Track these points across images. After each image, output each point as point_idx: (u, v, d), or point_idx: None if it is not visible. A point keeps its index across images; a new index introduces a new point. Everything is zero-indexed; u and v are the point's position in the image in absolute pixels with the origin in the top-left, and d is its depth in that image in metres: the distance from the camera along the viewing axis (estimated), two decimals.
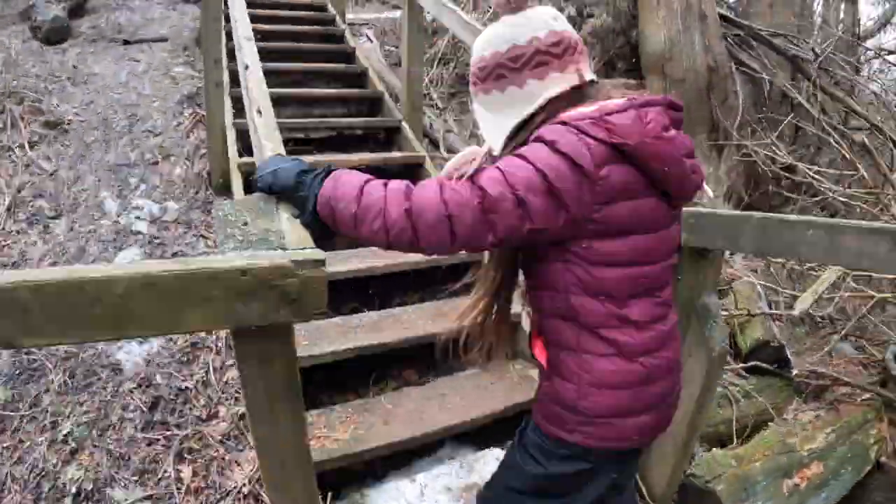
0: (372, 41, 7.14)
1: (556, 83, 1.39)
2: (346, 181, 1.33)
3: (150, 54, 6.36)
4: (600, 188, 1.27)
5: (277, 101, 4.54)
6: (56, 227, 4.24)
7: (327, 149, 4.52)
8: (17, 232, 4.21)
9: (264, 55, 2.99)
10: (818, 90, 6.16)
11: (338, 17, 6.36)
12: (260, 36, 5.79)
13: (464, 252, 1.35)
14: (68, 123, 5.02)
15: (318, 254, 1.21)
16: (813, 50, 6.24)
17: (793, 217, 1.85)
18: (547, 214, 1.27)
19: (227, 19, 3.99)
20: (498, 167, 1.30)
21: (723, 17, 6.69)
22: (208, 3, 4.08)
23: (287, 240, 1.28)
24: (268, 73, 2.52)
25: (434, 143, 5.24)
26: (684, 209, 1.65)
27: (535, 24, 1.40)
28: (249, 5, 6.60)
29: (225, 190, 4.34)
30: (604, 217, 1.30)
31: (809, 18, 8.18)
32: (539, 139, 1.31)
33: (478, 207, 1.25)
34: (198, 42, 6.44)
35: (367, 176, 1.36)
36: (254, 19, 6.05)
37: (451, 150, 5.14)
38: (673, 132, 1.33)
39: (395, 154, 4.32)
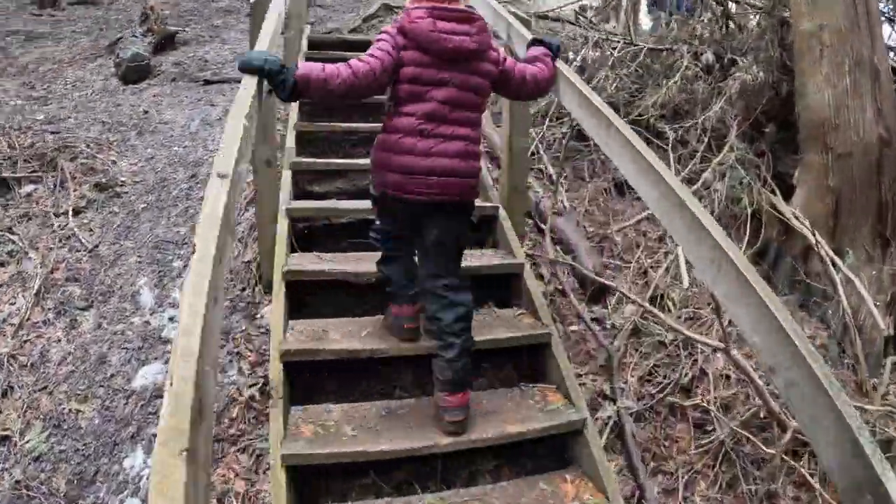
0: None
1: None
2: (311, 66, 2.35)
3: (230, 97, 5.78)
4: (398, 42, 2.49)
5: (338, 173, 3.82)
6: (84, 321, 3.65)
7: None
8: (43, 323, 3.67)
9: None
10: None
11: None
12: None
13: None
14: (121, 185, 4.46)
15: None
16: None
17: None
18: (389, 52, 2.46)
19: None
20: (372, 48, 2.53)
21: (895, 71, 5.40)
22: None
23: None
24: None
25: (538, 228, 4.28)
26: None
27: None
28: (319, 45, 5.98)
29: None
30: (401, 56, 2.49)
31: None
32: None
33: (366, 66, 2.40)
34: None
35: (320, 65, 2.37)
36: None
37: (559, 241, 4.15)
38: (427, 20, 2.47)
39: (486, 260, 3.33)
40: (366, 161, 3.75)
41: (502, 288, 3.26)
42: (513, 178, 3.54)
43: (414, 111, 2.48)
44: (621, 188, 5.02)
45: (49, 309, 3.70)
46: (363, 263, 3.11)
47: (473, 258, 3.30)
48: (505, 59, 2.68)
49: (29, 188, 4.52)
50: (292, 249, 3.28)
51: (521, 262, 3.23)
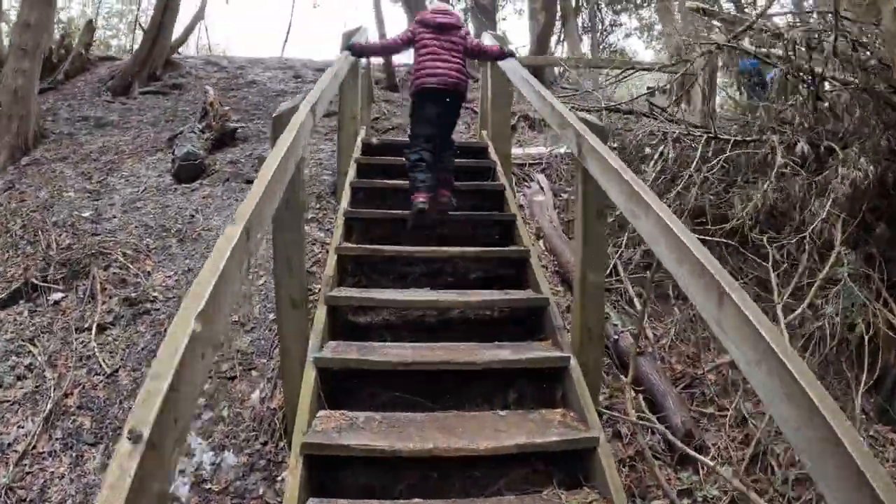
0: (543, 188, 5.80)
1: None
2: (362, 44, 5.23)
3: None
4: (415, 27, 4.72)
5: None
6: (90, 458, 3.27)
7: (440, 407, 2.90)
8: (49, 455, 3.34)
9: None
10: None
11: (498, 168, 5.17)
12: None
13: None
14: (151, 301, 4.10)
15: None
16: None
17: None
18: (408, 33, 4.76)
19: None
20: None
21: None
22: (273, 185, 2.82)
23: None
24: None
25: (621, 364, 3.62)
26: None
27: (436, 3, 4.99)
28: (373, 151, 5.62)
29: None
30: (416, 32, 4.67)
31: None
32: None
33: (396, 41, 4.92)
34: (333, 192, 5.48)
35: (372, 43, 5.79)
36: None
37: (643, 389, 3.49)
38: (429, 15, 4.72)
39: (555, 434, 2.62)
40: (416, 297, 3.50)
41: (574, 462, 2.62)
42: (586, 321, 2.93)
43: (427, 52, 4.47)
44: None
45: (57, 439, 3.37)
46: (401, 434, 2.56)
47: (538, 429, 2.68)
48: (471, 38, 4.87)
49: (58, 296, 4.23)
50: (321, 405, 2.76)
51: (595, 435, 2.58)
